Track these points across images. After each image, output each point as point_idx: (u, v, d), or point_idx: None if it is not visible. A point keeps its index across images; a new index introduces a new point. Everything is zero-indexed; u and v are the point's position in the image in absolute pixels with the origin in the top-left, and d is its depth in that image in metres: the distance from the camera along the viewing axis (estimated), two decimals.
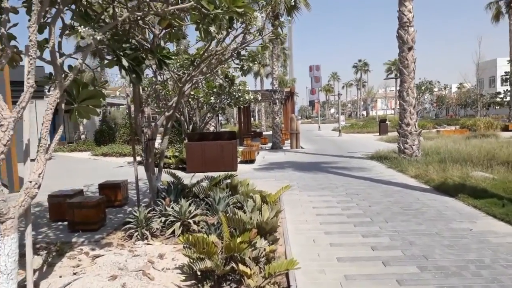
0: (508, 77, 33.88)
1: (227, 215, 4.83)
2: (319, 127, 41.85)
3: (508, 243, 4.59)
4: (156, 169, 7.06)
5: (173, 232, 5.54)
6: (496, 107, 37.16)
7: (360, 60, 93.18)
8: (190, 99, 13.18)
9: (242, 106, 14.79)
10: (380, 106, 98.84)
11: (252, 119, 68.30)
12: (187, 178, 7.77)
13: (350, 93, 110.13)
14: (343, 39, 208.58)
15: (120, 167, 14.04)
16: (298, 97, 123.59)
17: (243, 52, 6.35)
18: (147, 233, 5.49)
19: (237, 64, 6.49)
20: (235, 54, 6.45)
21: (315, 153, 16.48)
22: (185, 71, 6.54)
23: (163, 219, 5.75)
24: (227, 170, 11.41)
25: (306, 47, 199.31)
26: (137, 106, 6.30)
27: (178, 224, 5.59)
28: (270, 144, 21.11)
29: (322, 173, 10.68)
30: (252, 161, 13.53)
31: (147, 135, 6.52)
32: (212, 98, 13.30)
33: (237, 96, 13.04)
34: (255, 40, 6.16)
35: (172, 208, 5.82)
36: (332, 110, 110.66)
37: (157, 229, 5.68)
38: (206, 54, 6.08)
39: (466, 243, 4.65)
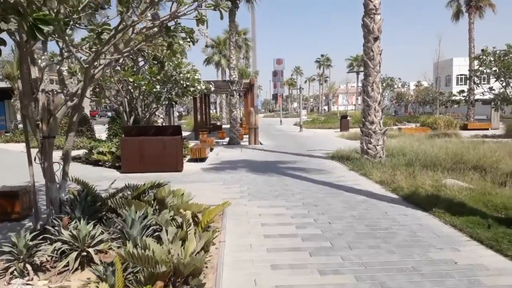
0: (466, 76, 34.31)
1: (132, 249, 3.41)
2: (280, 121, 40.87)
3: (505, 287, 3.49)
4: (63, 175, 5.52)
5: (70, 264, 4.07)
6: (455, 106, 37.73)
7: (322, 55, 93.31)
8: (130, 87, 11.49)
9: (195, 97, 13.20)
10: (342, 101, 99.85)
11: (213, 110, 66.51)
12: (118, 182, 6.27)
13: (312, 88, 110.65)
14: (306, 33, 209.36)
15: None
16: (262, 90, 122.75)
17: (173, 26, 4.87)
18: (29, 267, 3.98)
19: (166, 41, 5.01)
20: (163, 28, 4.97)
21: (274, 151, 15.26)
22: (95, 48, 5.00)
23: (57, 245, 4.25)
24: (170, 171, 9.93)
25: (270, 39, 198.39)
26: (27, 91, 4.70)
27: (74, 254, 4.11)
28: (227, 139, 19.70)
29: (278, 176, 9.43)
30: (202, 159, 12.09)
31: (42, 131, 4.94)
32: (158, 86, 11.69)
33: (184, 85, 11.49)
34: (188, 11, 4.71)
35: (71, 231, 4.32)
36: (295, 105, 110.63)
37: (47, 260, 4.18)
38: (121, 26, 4.57)
39: (452, 286, 3.50)
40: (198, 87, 12.51)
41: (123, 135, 10.38)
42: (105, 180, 8.92)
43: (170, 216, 4.82)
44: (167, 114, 25.28)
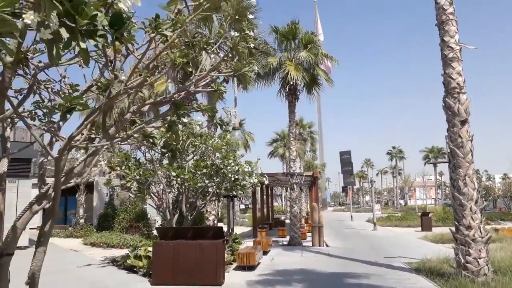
0: None
1: None
2: (351, 216, 37.51)
3: None
4: None
5: None
6: None
7: (394, 147, 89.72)
8: (174, 182, 10.32)
9: (254, 189, 11.66)
10: (419, 195, 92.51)
11: (279, 203, 64.49)
12: None
13: (385, 180, 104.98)
14: (375, 125, 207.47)
15: (86, 267, 10.89)
16: (331, 183, 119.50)
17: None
18: None
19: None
20: (172, 106, 3.63)
21: (342, 257, 12.70)
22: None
23: None
24: (208, 284, 8.02)
25: (337, 132, 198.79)
26: None
27: None
28: (288, 238, 17.43)
29: None
30: (251, 268, 10.03)
31: None
32: (204, 180, 10.42)
33: (233, 178, 10.05)
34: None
35: None
36: (367, 198, 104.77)
37: None
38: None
39: None
40: (251, 181, 11.01)
41: (158, 238, 8.90)
42: None
43: None
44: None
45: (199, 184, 9.97)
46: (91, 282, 8.74)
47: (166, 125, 3.46)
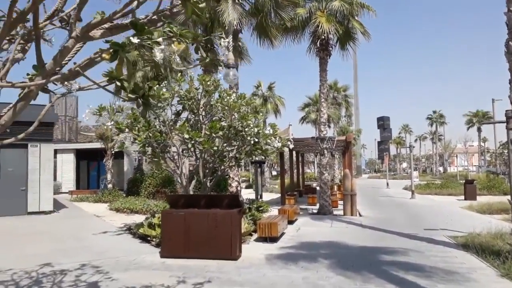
0: None
1: None
2: (387, 184, 35.86)
3: None
4: None
5: None
6: None
7: (434, 112, 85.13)
8: (189, 146, 9.35)
9: (267, 157, 10.57)
10: (459, 162, 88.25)
11: (311, 170, 63.21)
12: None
13: (424, 147, 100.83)
14: (414, 89, 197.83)
15: (102, 234, 10.36)
16: (366, 149, 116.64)
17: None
18: None
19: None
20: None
21: (376, 228, 11.52)
22: None
23: None
24: (222, 257, 7.15)
25: (374, 97, 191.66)
26: None
27: None
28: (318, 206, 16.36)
29: (378, 283, 5.94)
30: (273, 240, 9.09)
31: None
32: (222, 143, 9.41)
33: (252, 141, 8.93)
34: None
35: None
36: (404, 165, 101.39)
37: None
38: None
39: None
40: (274, 145, 9.86)
41: (168, 206, 8.06)
42: (134, 269, 6.50)
43: None
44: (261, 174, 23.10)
45: (215, 148, 8.95)
46: (99, 252, 8.11)
47: (111, 50, 2.35)
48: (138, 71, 3.33)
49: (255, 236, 9.37)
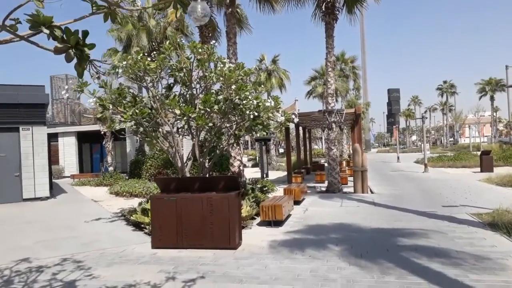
0: None
1: None
2: (398, 157, 34.84)
3: None
4: None
5: None
6: None
7: (445, 82, 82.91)
8: (184, 123, 8.45)
9: (268, 132, 9.61)
10: (470, 133, 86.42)
11: (319, 146, 62.13)
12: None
13: (433, 118, 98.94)
14: (424, 58, 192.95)
15: (94, 221, 9.63)
16: (375, 123, 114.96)
17: None
18: None
19: None
20: None
21: (390, 206, 10.66)
22: None
23: None
24: (218, 246, 6.36)
25: (383, 68, 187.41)
26: None
27: None
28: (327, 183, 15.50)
29: (400, 275, 5.09)
30: (278, 223, 8.27)
31: None
32: (217, 119, 8.50)
33: (252, 115, 7.97)
34: None
35: None
36: (413, 138, 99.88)
37: None
38: None
39: None
40: (278, 119, 8.90)
41: (158, 191, 7.23)
42: (119, 264, 5.66)
43: None
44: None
45: (210, 124, 8.02)
46: (86, 243, 7.37)
47: None
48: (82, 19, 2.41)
49: (258, 219, 8.56)
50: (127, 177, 21.77)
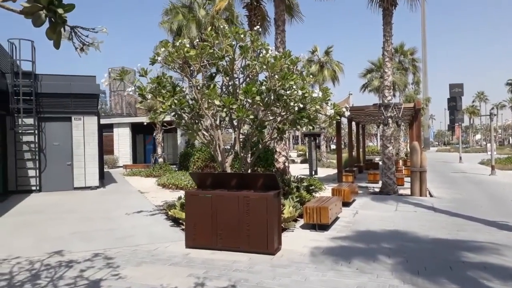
0: None
1: None
2: (460, 158, 32.26)
3: None
4: None
5: None
6: None
7: None
8: (223, 114, 7.96)
9: (315, 127, 8.84)
10: None
11: (374, 143, 59.52)
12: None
13: (501, 116, 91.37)
14: (491, 51, 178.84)
15: (135, 214, 9.50)
16: (435, 120, 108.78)
17: None
18: None
19: None
20: None
21: (452, 213, 9.50)
22: None
23: None
24: (255, 251, 5.79)
25: (445, 62, 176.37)
26: None
27: None
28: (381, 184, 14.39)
29: None
30: (323, 227, 7.54)
31: None
32: (259, 111, 7.91)
33: (296, 107, 7.28)
34: None
35: None
36: (478, 137, 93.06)
37: None
38: None
39: None
40: (327, 113, 8.15)
41: (195, 187, 6.80)
42: (149, 263, 5.27)
43: None
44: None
45: (251, 117, 7.45)
46: (121, 237, 7.14)
47: None
48: None
49: (302, 221, 7.88)
50: (176, 169, 21.95)
